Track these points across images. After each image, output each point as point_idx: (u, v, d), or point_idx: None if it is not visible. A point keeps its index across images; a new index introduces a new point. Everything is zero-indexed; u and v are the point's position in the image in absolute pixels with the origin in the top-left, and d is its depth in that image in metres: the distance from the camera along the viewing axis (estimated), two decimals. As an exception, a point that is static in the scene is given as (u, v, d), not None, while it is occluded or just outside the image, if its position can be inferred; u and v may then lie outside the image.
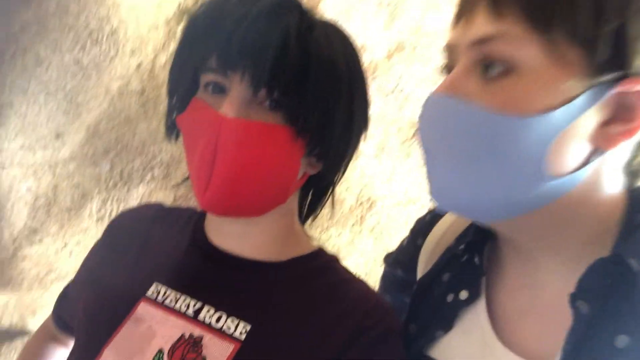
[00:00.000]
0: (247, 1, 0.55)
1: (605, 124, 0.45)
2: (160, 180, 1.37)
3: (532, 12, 0.42)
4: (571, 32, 0.41)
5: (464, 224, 0.66)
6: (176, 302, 0.61)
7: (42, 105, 1.19)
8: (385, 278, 0.78)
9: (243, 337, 0.57)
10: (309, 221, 0.72)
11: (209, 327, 0.58)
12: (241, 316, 0.58)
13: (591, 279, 0.47)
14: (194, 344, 0.57)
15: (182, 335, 0.58)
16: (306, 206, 0.71)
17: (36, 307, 1.34)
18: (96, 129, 1.30)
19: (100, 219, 1.37)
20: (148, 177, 1.36)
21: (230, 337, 0.57)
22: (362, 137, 0.64)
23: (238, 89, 0.55)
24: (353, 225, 1.44)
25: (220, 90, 0.57)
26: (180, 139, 0.64)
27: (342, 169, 0.66)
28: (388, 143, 1.34)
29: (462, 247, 0.62)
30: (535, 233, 0.52)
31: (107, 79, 1.27)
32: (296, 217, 0.68)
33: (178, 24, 1.42)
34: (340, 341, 0.57)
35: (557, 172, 0.45)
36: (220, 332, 0.57)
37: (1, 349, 1.33)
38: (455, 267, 0.62)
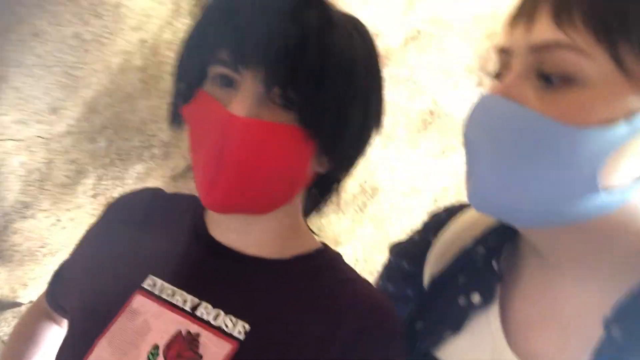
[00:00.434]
0: None
1: None
2: (159, 160, 1.34)
3: (598, 24, 0.41)
4: (638, 47, 0.41)
5: (482, 225, 0.65)
6: (173, 296, 0.58)
7: (38, 79, 1.15)
8: (389, 267, 0.77)
9: (242, 336, 0.55)
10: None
11: (206, 324, 0.56)
12: (240, 315, 0.56)
13: (629, 305, 0.46)
14: (191, 341, 0.55)
15: (179, 332, 0.56)
16: (312, 203, 0.68)
17: (27, 279, 1.32)
18: (95, 104, 1.26)
19: (95, 196, 1.34)
20: (146, 155, 1.33)
21: (229, 336, 0.55)
22: (374, 136, 0.62)
23: (250, 86, 0.52)
24: (354, 212, 1.42)
25: (229, 83, 0.54)
26: (184, 127, 0.61)
27: (352, 168, 0.64)
28: (396, 133, 1.31)
29: (481, 251, 0.60)
30: (570, 245, 0.50)
31: (108, 54, 1.23)
32: (300, 214, 0.66)
33: (185, 0, 1.37)
34: (342, 342, 0.55)
35: (609, 186, 0.44)
36: (219, 331, 0.55)
37: (-7, 321, 1.32)
38: (471, 270, 0.60)
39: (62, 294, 0.72)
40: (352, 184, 1.38)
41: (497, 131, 0.46)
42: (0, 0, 1.07)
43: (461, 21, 1.21)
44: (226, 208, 0.56)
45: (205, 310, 0.57)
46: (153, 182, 1.35)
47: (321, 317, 0.57)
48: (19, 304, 1.32)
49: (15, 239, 1.27)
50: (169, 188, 1.35)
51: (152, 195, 0.71)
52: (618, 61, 0.41)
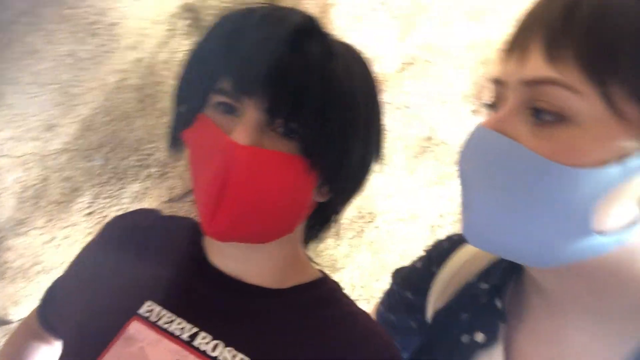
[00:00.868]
0: (267, 23, 0.52)
1: None
2: (155, 179, 1.33)
3: (589, 63, 0.40)
4: (630, 89, 0.40)
5: (485, 258, 0.64)
6: (171, 323, 0.57)
7: (33, 96, 1.14)
8: (391, 296, 0.76)
9: None
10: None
11: (204, 355, 0.54)
12: (239, 347, 0.54)
13: None
14: (188, 371, 0.54)
15: (176, 361, 0.54)
16: (311, 232, 0.68)
17: (19, 297, 1.29)
18: (91, 122, 1.26)
19: (90, 214, 1.32)
20: (143, 175, 1.32)
21: None
22: (375, 165, 0.62)
23: (253, 115, 0.52)
24: (352, 237, 1.41)
25: (230, 110, 0.53)
26: (183, 150, 0.60)
27: (352, 198, 0.63)
28: (393, 159, 1.31)
29: (484, 287, 0.59)
30: (571, 285, 0.50)
31: (104, 73, 1.23)
32: (300, 244, 0.65)
33: (181, 19, 1.38)
34: None
35: (603, 228, 0.43)
36: None
37: (-21, 341, 1.28)
38: (473, 307, 0.59)
39: (54, 313, 0.70)
40: (349, 209, 1.37)
41: (489, 166, 0.46)
42: None
43: (456, 48, 1.23)
44: (227, 237, 0.55)
45: (204, 341, 0.55)
46: (149, 202, 1.33)
47: (321, 352, 0.56)
48: (9, 322, 1.29)
49: (9, 255, 1.25)
50: (165, 209, 1.34)
51: (150, 217, 0.70)
52: (609, 101, 0.40)
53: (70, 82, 1.22)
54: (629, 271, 0.47)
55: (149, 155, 1.32)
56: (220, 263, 0.61)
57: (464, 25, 1.23)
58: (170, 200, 1.27)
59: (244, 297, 0.59)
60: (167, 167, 1.33)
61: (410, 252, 1.41)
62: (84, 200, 1.29)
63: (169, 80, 1.35)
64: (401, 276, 0.74)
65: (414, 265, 0.73)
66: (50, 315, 0.71)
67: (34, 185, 1.24)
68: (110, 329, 0.57)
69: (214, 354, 0.54)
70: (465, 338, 0.57)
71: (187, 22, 1.38)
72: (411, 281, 0.72)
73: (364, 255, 1.42)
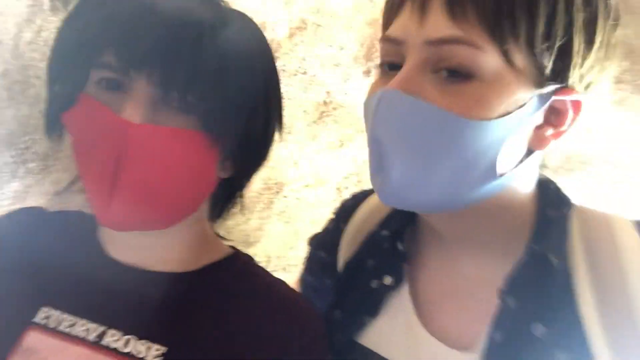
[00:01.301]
0: None
1: (539, 127, 0.49)
2: (36, 175, 1.20)
3: (491, 22, 0.43)
4: (526, 44, 0.44)
5: (385, 209, 0.67)
6: (73, 327, 0.53)
7: None
8: (309, 260, 0.78)
9: None
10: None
11: (115, 352, 0.51)
12: (153, 338, 0.52)
13: (518, 275, 0.51)
14: (100, 374, 0.50)
15: (85, 366, 0.51)
16: (217, 209, 0.66)
17: None
18: (-52, 118, 1.09)
19: (-38, 224, 1.16)
20: (22, 171, 1.18)
21: None
22: (277, 136, 0.61)
23: (144, 90, 0.48)
24: (261, 210, 1.39)
25: (116, 87, 0.49)
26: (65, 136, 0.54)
27: (256, 171, 0.62)
28: (294, 126, 1.31)
29: (385, 233, 0.63)
30: (463, 225, 0.55)
31: (-43, 59, 1.07)
32: (207, 222, 0.63)
33: (45, -7, 1.23)
34: (269, 354, 0.54)
35: (502, 171, 0.49)
36: (130, 357, 0.51)
37: None
38: (378, 253, 0.63)
39: None
40: (255, 182, 1.36)
41: (403, 128, 0.47)
42: None
43: (343, 9, 1.24)
44: (126, 226, 0.51)
45: (113, 338, 0.52)
46: (33, 200, 1.20)
47: (243, 329, 0.55)
48: None
49: None
50: (54, 205, 1.22)
51: (31, 216, 0.63)
52: (506, 56, 0.44)
53: None
54: (508, 208, 0.52)
55: (25, 149, 1.18)
56: (120, 254, 0.57)
57: (348, -13, 1.24)
58: (57, 194, 1.15)
59: (152, 286, 0.56)
60: (49, 159, 1.20)
61: (320, 216, 1.44)
62: (-47, 207, 1.13)
63: (38, 62, 1.20)
64: (316, 239, 0.78)
65: (326, 227, 0.77)
66: None
67: None
68: (4, 344, 0.52)
69: (126, 350, 0.51)
70: (374, 283, 0.61)
71: (51, -4, 1.24)
72: (324, 241, 0.75)
73: (275, 226, 1.42)
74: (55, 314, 0.53)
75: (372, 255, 0.64)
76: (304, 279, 0.79)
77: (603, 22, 0.46)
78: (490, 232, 0.54)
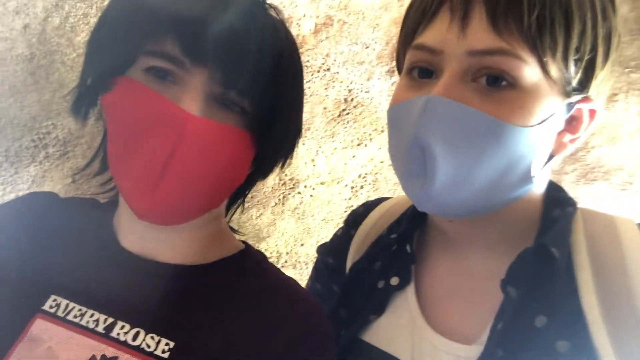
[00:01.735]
0: None
1: (559, 133, 0.52)
2: (55, 160, 1.21)
3: (533, 36, 0.46)
4: (562, 57, 0.47)
5: (394, 214, 0.70)
6: (82, 317, 0.52)
7: None
8: (316, 267, 0.79)
9: (166, 355, 0.50)
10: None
11: (124, 345, 0.51)
12: (162, 332, 0.51)
13: (519, 266, 0.52)
14: (108, 366, 0.50)
15: (93, 357, 0.50)
16: (234, 204, 0.65)
17: None
18: (-28, 100, 1.11)
19: (-18, 204, 1.18)
20: (41, 156, 1.19)
21: (151, 356, 0.50)
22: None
23: (202, 85, 0.48)
24: (274, 205, 1.39)
25: (165, 76, 0.49)
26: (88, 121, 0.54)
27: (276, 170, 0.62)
28: (313, 123, 1.29)
29: (394, 236, 0.65)
30: (473, 229, 0.57)
31: (-17, 41, 1.08)
32: (223, 216, 0.62)
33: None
34: (276, 352, 0.53)
35: (535, 174, 0.51)
36: (139, 351, 0.51)
37: None
38: (386, 255, 0.65)
39: None
40: (271, 177, 1.35)
41: (452, 133, 0.48)
42: None
43: (370, 8, 1.22)
44: (163, 218, 0.50)
45: (122, 330, 0.51)
46: (51, 186, 1.22)
47: (252, 325, 0.55)
48: None
49: None
50: (70, 191, 1.23)
51: (44, 201, 0.62)
52: (546, 68, 0.47)
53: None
54: (522, 207, 0.54)
55: (45, 134, 1.19)
56: (134, 245, 0.56)
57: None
58: (74, 180, 1.16)
59: (163, 279, 0.55)
60: (68, 145, 1.22)
61: (333, 214, 1.43)
62: (-27, 188, 1.15)
63: (65, 48, 1.21)
64: (324, 246, 0.79)
65: (335, 233, 0.78)
66: None
67: None
68: (10, 331, 0.51)
69: (135, 343, 0.51)
70: (380, 283, 0.63)
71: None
72: (332, 247, 0.76)
73: (287, 222, 1.41)
74: (64, 302, 0.52)
75: (379, 258, 0.65)
76: (311, 287, 0.79)
77: (617, 39, 0.51)
78: (500, 233, 0.56)
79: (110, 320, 0.52)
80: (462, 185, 0.49)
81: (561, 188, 0.58)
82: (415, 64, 0.52)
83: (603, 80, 0.51)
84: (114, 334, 0.51)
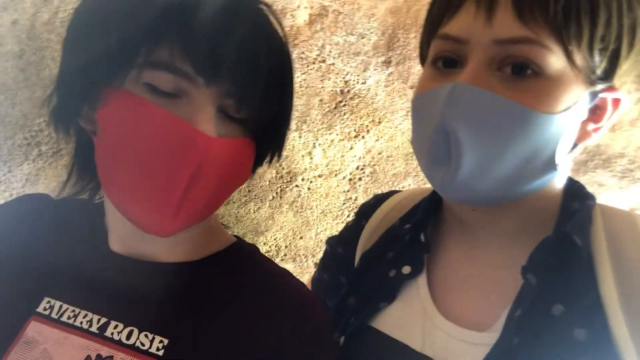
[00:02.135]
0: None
1: (583, 122, 0.52)
2: (48, 158, 1.20)
3: (559, 25, 0.47)
4: (587, 46, 0.48)
5: (405, 206, 0.70)
6: (75, 318, 0.51)
7: None
8: (325, 258, 0.80)
9: (161, 352, 0.50)
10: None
11: (118, 344, 0.50)
12: (156, 330, 0.51)
13: (541, 253, 0.53)
14: (103, 365, 0.49)
15: (88, 357, 0.50)
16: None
17: None
18: (-38, 98, 1.09)
19: (-24, 203, 1.17)
20: (34, 154, 1.18)
21: (146, 354, 0.50)
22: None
23: (217, 100, 0.47)
24: (272, 199, 1.38)
25: (169, 90, 0.46)
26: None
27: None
28: (309, 115, 1.28)
29: (408, 226, 0.65)
30: (497, 217, 0.57)
31: (-28, 38, 1.06)
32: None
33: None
34: (272, 344, 0.53)
35: (559, 161, 0.51)
36: (134, 350, 0.50)
37: None
38: (398, 246, 0.65)
39: None
40: (268, 170, 1.34)
41: (479, 120, 0.49)
42: None
43: (367, -1, 1.20)
44: (177, 231, 0.50)
45: (116, 330, 0.51)
46: (45, 184, 1.20)
47: (246, 318, 0.54)
48: None
49: None
50: (63, 191, 1.22)
51: (37, 203, 0.62)
52: (571, 57, 0.47)
53: None
54: (543, 197, 0.55)
55: (38, 131, 1.18)
56: (124, 247, 0.55)
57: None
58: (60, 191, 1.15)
59: (154, 277, 0.54)
60: (61, 142, 1.20)
61: (332, 207, 1.42)
62: (-34, 187, 1.14)
63: (55, 44, 1.19)
64: (334, 237, 0.79)
65: (346, 224, 0.79)
66: None
67: None
68: (6, 334, 0.51)
69: (129, 342, 0.50)
70: (392, 272, 0.63)
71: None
72: (342, 237, 0.77)
73: (286, 215, 1.41)
74: (57, 304, 0.52)
75: (391, 247, 0.66)
76: (318, 278, 0.80)
77: None
78: (519, 223, 0.56)
79: (104, 320, 0.51)
80: (488, 173, 0.50)
81: (580, 183, 0.59)
82: (440, 54, 0.53)
83: (627, 70, 0.51)
84: (107, 333, 0.51)
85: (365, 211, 0.75)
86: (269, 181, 1.35)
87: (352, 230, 0.75)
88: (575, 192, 0.57)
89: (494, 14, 0.48)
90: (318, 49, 1.23)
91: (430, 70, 0.55)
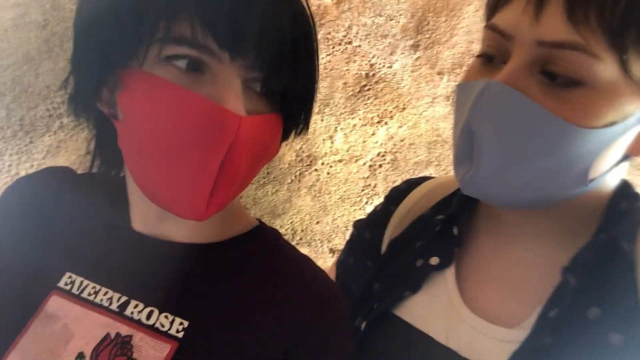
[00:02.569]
0: None
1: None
2: (70, 130, 1.20)
3: (615, 30, 0.42)
4: None
5: (437, 194, 0.68)
6: (95, 295, 0.51)
7: None
8: (351, 241, 0.79)
9: (180, 335, 0.49)
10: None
11: (138, 324, 0.49)
12: (176, 311, 0.50)
13: (585, 255, 0.50)
14: (122, 344, 0.49)
15: (107, 335, 0.49)
16: None
17: None
18: (-14, 67, 1.09)
19: (-3, 173, 1.18)
20: (55, 126, 1.18)
21: (166, 336, 0.49)
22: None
23: (243, 76, 0.45)
24: (291, 182, 1.37)
25: (192, 66, 0.44)
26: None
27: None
28: (332, 98, 1.26)
29: (440, 217, 0.64)
30: (534, 218, 0.55)
31: (-4, 7, 1.05)
32: None
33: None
34: (291, 333, 0.52)
35: (593, 177, 0.48)
36: (153, 330, 0.49)
37: None
38: (428, 235, 0.63)
39: None
40: (287, 152, 1.33)
41: (505, 122, 0.46)
42: None
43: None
44: (208, 215, 0.48)
45: (136, 309, 0.50)
46: (65, 157, 1.21)
47: (267, 304, 0.53)
48: None
49: None
50: (85, 162, 1.22)
51: (59, 176, 0.61)
52: (626, 67, 0.42)
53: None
54: (586, 201, 0.52)
55: (60, 103, 1.18)
56: (147, 226, 0.55)
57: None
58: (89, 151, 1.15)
59: (176, 258, 0.53)
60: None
61: (350, 193, 1.40)
62: (-12, 157, 1.14)
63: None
64: (362, 221, 0.78)
65: (375, 209, 0.77)
66: None
67: None
68: (26, 308, 0.50)
69: (149, 322, 0.50)
70: (419, 262, 0.61)
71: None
72: (370, 221, 0.75)
73: (303, 199, 1.39)
74: (79, 279, 0.51)
75: (421, 237, 0.64)
76: (343, 261, 0.79)
77: None
78: (556, 225, 0.54)
79: (124, 298, 0.51)
80: (508, 178, 0.48)
81: (628, 182, 0.56)
82: (485, 48, 0.51)
83: None
84: (127, 312, 0.50)
85: (396, 196, 0.74)
86: (289, 164, 1.33)
87: (381, 216, 0.73)
88: (623, 192, 0.54)
89: (543, 11, 0.44)
90: (345, 30, 1.20)
91: (477, 59, 0.53)
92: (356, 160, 1.36)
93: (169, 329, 0.49)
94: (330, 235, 1.45)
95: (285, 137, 0.56)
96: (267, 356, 0.50)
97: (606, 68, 0.43)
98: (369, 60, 1.25)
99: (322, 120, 1.29)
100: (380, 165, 1.39)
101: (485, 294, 0.57)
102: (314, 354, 0.52)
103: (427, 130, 1.32)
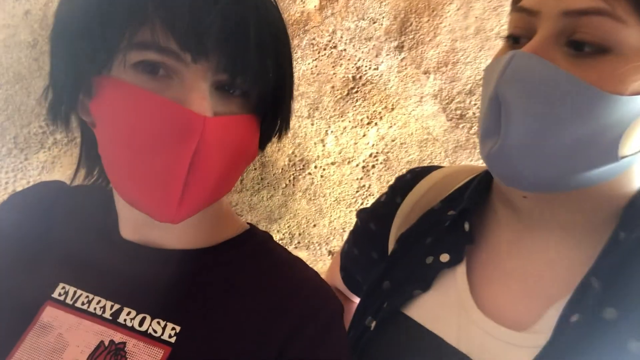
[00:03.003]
0: None
1: None
2: (64, 146, 1.21)
3: None
4: None
5: (446, 186, 0.66)
6: (89, 304, 0.52)
7: None
8: (355, 232, 0.77)
9: (173, 340, 0.50)
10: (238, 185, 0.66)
11: (131, 330, 0.51)
12: (168, 317, 0.51)
13: (609, 257, 0.48)
14: (116, 351, 0.50)
15: (101, 343, 0.50)
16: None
17: None
18: (-22, 88, 1.10)
19: (-5, 192, 1.19)
20: (49, 142, 1.19)
21: (158, 341, 0.50)
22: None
23: (208, 77, 0.45)
24: (285, 187, 1.38)
25: (156, 70, 0.44)
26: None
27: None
28: (321, 102, 1.27)
29: (451, 213, 0.61)
30: (555, 209, 0.52)
31: (-14, 28, 1.07)
32: (224, 198, 0.61)
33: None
34: (284, 334, 0.52)
35: (623, 154, 0.46)
36: (146, 336, 0.50)
37: None
38: (439, 231, 0.61)
39: None
40: (280, 157, 1.34)
41: (534, 90, 0.45)
42: None
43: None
44: (184, 218, 0.49)
45: (129, 316, 0.51)
46: (61, 172, 1.22)
47: (259, 306, 0.54)
48: None
49: None
50: (79, 176, 1.23)
51: (51, 190, 0.62)
52: None
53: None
54: (613, 193, 0.50)
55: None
56: (135, 234, 0.56)
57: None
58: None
59: (166, 264, 0.54)
60: (76, 131, 1.21)
61: (345, 194, 1.41)
62: (-16, 176, 1.16)
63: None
64: (366, 211, 0.75)
65: (379, 199, 0.74)
66: None
67: None
68: (21, 319, 0.52)
69: (142, 329, 0.51)
70: (429, 259, 0.59)
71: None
72: (375, 213, 0.73)
73: (299, 203, 1.40)
74: (72, 289, 0.52)
75: (430, 232, 0.62)
76: (347, 251, 0.77)
77: None
78: (578, 217, 0.51)
79: (117, 306, 0.52)
80: (537, 149, 0.46)
81: None
82: (512, 29, 0.50)
83: None
84: (120, 319, 0.51)
85: (402, 187, 0.71)
86: (282, 169, 1.35)
87: (387, 207, 0.71)
88: None
89: None
90: (329, 35, 1.21)
91: (504, 42, 0.52)
92: (349, 162, 1.37)
93: (162, 335, 0.50)
94: (328, 238, 1.46)
95: (268, 138, 0.56)
96: (259, 358, 0.51)
97: (632, 33, 0.42)
98: (355, 64, 1.26)
99: (312, 124, 1.30)
100: (373, 166, 1.40)
101: (496, 293, 0.54)
102: (307, 353, 0.52)
103: (417, 129, 1.33)
